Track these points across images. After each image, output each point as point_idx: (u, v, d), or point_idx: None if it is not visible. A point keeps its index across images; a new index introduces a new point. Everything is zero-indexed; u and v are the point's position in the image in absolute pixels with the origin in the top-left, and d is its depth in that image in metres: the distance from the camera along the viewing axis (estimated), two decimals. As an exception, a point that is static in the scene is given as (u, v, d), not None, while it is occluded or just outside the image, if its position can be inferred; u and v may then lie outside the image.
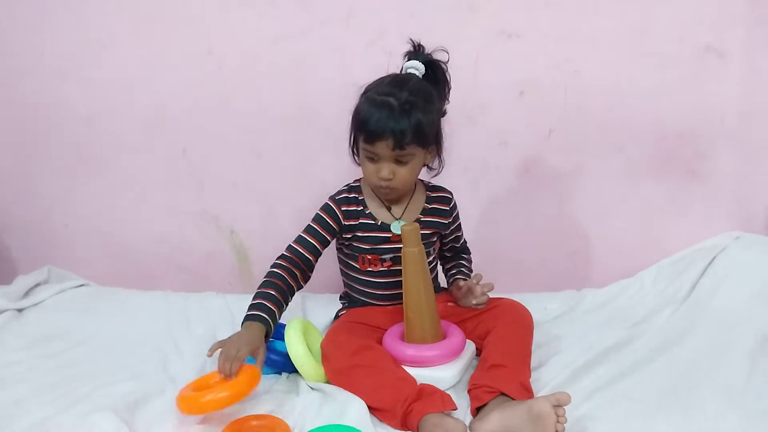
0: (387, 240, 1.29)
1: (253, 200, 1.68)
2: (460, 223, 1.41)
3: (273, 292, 1.21)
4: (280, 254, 1.29)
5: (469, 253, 1.45)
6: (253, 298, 1.21)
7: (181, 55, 1.60)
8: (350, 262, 1.34)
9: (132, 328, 1.41)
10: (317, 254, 1.30)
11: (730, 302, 1.38)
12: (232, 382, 1.06)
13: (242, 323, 1.18)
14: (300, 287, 1.29)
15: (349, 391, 1.12)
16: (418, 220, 1.31)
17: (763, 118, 1.59)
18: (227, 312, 1.49)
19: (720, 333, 1.29)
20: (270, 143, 1.64)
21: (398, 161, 1.21)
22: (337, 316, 1.40)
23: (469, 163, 1.60)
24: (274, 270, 1.25)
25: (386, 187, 1.23)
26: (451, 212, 1.36)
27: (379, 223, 1.29)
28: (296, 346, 1.19)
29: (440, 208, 1.34)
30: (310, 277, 1.31)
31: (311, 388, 1.18)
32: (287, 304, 1.25)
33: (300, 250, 1.29)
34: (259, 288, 1.23)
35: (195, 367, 1.24)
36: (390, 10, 1.54)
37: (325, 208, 1.30)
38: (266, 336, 1.17)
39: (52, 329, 1.40)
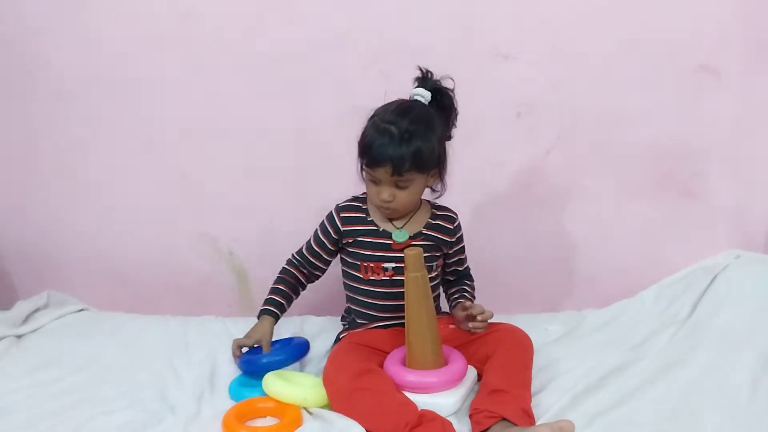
0: (388, 247, 1.31)
1: (251, 222, 1.68)
2: (463, 247, 1.41)
3: (282, 287, 1.39)
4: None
5: (473, 281, 1.45)
6: (268, 294, 1.38)
7: (177, 77, 1.60)
8: (353, 272, 1.35)
9: (131, 354, 1.40)
10: (320, 258, 1.39)
11: (732, 322, 1.37)
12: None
13: (258, 317, 1.36)
14: (308, 282, 1.43)
15: (349, 414, 1.12)
16: (420, 233, 1.32)
17: (758, 136, 1.59)
18: (226, 336, 1.48)
19: (722, 354, 1.28)
20: (268, 165, 1.64)
21: (398, 186, 1.24)
22: (338, 339, 1.39)
23: (467, 184, 1.59)
24: (285, 267, 1.42)
25: (387, 208, 1.27)
26: (455, 231, 1.37)
27: (380, 230, 1.32)
28: (285, 389, 1.19)
29: (444, 225, 1.36)
30: (316, 277, 1.43)
31: (311, 414, 1.17)
32: (297, 295, 1.42)
33: (304, 252, 1.40)
34: (272, 285, 1.40)
35: (194, 395, 1.24)
36: (386, 33, 1.55)
37: (327, 215, 1.37)
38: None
39: (51, 356, 1.39)
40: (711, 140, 1.59)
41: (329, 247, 1.36)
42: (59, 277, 1.72)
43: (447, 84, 1.29)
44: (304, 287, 1.42)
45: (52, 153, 1.66)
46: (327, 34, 1.56)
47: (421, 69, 1.29)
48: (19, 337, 1.48)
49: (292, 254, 1.42)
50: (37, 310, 1.59)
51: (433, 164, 1.26)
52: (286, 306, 1.38)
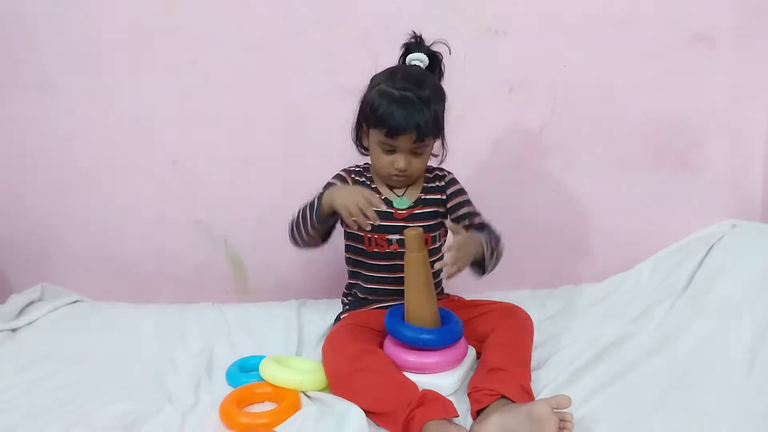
0: (391, 216, 1.30)
1: (245, 208, 1.66)
2: (467, 201, 1.36)
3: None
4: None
5: (499, 234, 1.32)
6: (311, 200, 1.25)
7: (165, 66, 1.58)
8: (356, 244, 1.34)
9: (127, 344, 1.40)
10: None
11: (728, 293, 1.36)
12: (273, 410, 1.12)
13: (319, 199, 1.22)
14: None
15: (349, 396, 1.12)
16: (420, 200, 1.32)
17: (754, 105, 1.58)
18: (223, 323, 1.48)
19: (719, 325, 1.28)
20: (259, 150, 1.63)
21: (415, 152, 1.24)
22: (337, 319, 1.39)
23: (461, 162, 1.57)
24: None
25: (401, 176, 1.26)
26: (447, 186, 1.35)
27: (382, 198, 1.31)
28: (282, 374, 1.19)
29: (437, 185, 1.36)
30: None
31: (309, 398, 1.17)
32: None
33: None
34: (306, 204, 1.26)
35: (191, 384, 1.23)
36: (374, 13, 1.53)
37: (336, 175, 1.34)
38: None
39: (46, 349, 1.38)
40: (706, 110, 1.58)
41: None
42: (53, 270, 1.70)
43: (436, 49, 1.30)
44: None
45: (42, 144, 1.64)
46: (315, 15, 1.54)
47: (414, 33, 1.28)
48: (13, 330, 1.47)
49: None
50: (31, 303, 1.58)
51: (443, 129, 1.28)
52: None
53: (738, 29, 1.54)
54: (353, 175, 1.35)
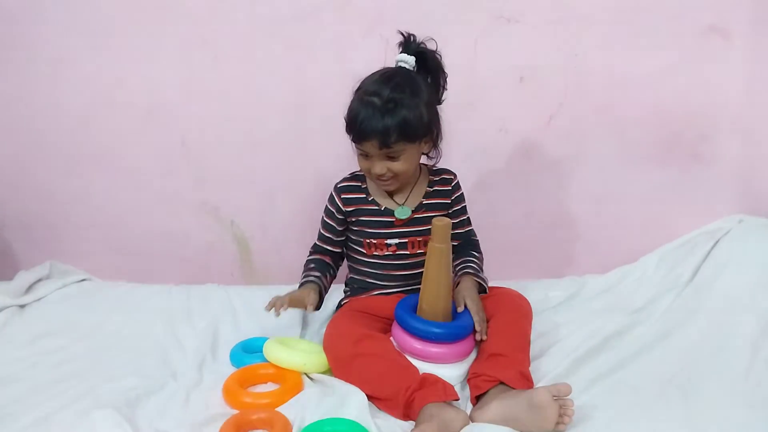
0: (390, 224, 1.30)
1: (252, 190, 1.67)
2: (464, 208, 1.37)
3: (313, 265, 1.35)
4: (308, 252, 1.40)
5: (480, 252, 1.39)
6: (301, 279, 1.33)
7: (176, 46, 1.58)
8: (356, 247, 1.35)
9: (133, 322, 1.41)
10: (333, 241, 1.37)
11: (733, 287, 1.36)
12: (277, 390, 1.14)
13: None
14: (336, 264, 1.39)
15: (351, 380, 1.13)
16: (421, 205, 1.31)
17: (767, 99, 1.56)
18: (229, 305, 1.49)
19: (722, 319, 1.28)
20: (268, 132, 1.63)
21: (389, 157, 1.22)
22: (339, 305, 1.40)
23: (470, 150, 1.58)
24: (308, 259, 1.38)
25: (385, 181, 1.25)
26: (453, 191, 1.34)
27: (382, 209, 1.30)
28: (285, 355, 1.20)
29: (442, 189, 1.34)
30: (341, 260, 1.40)
31: (311, 379, 1.18)
32: (330, 273, 1.37)
33: (320, 244, 1.38)
34: (302, 273, 1.35)
35: (196, 362, 1.25)
36: (386, -3, 1.52)
37: (329, 198, 1.35)
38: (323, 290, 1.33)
39: (53, 325, 1.40)
40: (718, 103, 1.57)
41: (338, 228, 1.34)
42: (61, 248, 1.72)
43: (431, 46, 1.25)
44: (334, 268, 1.38)
45: (53, 123, 1.64)
46: (327, -2, 1.53)
47: (402, 33, 1.25)
48: (21, 306, 1.49)
49: (311, 249, 1.40)
50: (39, 280, 1.59)
51: (423, 131, 1.23)
52: (322, 277, 1.33)
53: (753, 21, 1.52)
54: (345, 193, 1.32)
